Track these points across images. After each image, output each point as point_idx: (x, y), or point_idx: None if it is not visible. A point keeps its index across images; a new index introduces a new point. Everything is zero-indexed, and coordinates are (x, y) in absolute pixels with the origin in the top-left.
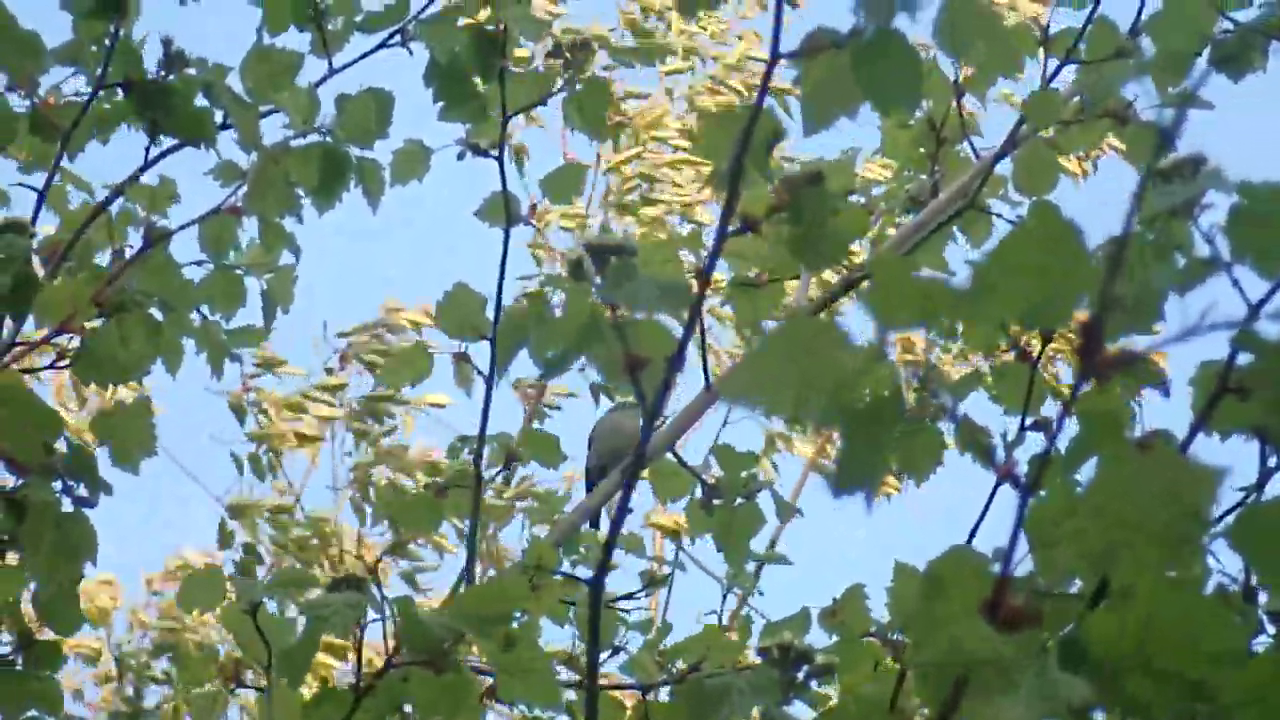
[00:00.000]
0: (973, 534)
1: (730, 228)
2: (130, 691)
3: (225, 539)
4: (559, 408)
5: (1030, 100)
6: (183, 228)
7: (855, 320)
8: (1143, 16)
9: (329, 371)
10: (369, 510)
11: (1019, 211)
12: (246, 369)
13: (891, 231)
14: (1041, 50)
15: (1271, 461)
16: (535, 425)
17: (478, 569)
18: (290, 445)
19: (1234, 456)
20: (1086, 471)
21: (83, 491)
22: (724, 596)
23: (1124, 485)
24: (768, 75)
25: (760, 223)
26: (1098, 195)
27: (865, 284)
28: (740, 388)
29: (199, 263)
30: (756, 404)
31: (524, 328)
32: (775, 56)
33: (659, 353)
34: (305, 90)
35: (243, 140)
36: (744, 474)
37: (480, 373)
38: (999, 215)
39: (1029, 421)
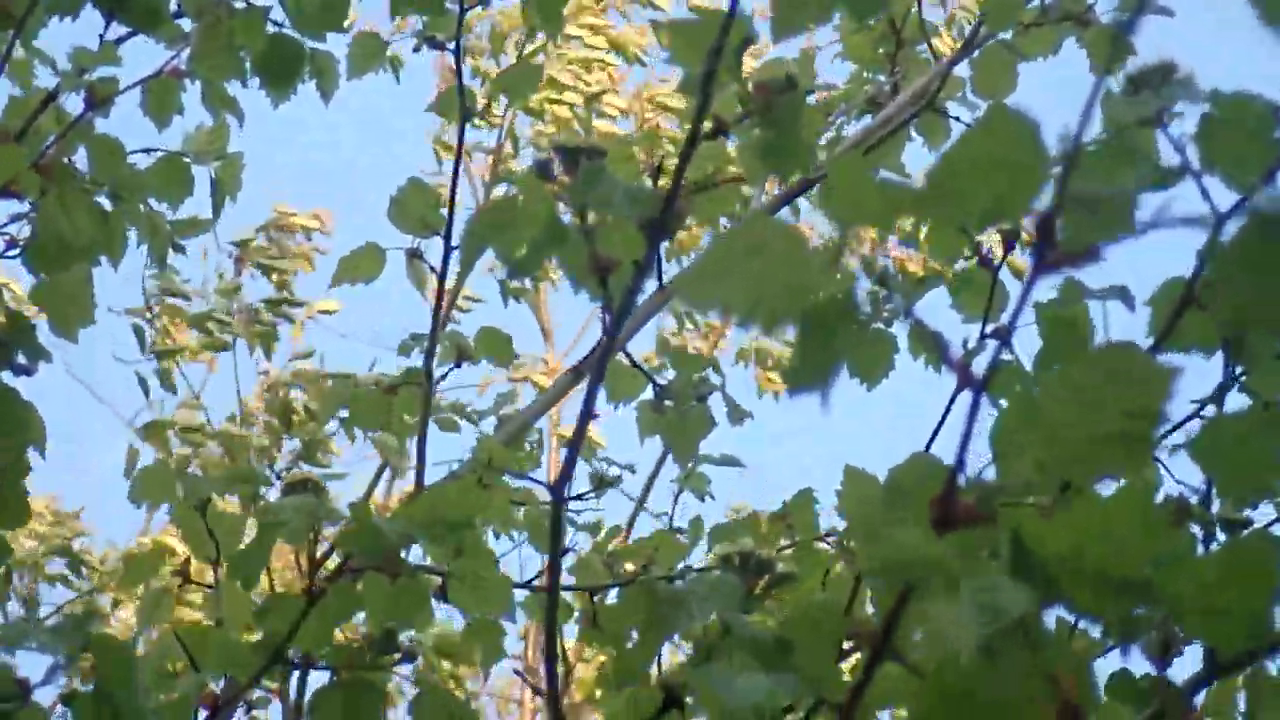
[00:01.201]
0: (931, 440)
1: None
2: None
3: (132, 461)
4: (468, 311)
5: (989, 2)
6: (124, 90)
7: (813, 220)
8: None
9: (221, 277)
10: (277, 421)
11: (977, 114)
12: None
13: (848, 132)
14: None
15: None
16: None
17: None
18: (192, 357)
19: (1193, 372)
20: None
21: (22, 360)
22: (675, 498)
23: (1077, 386)
24: None
25: (730, 126)
26: (1061, 96)
27: (822, 185)
28: (695, 288)
29: (147, 150)
30: (711, 304)
31: (495, 226)
32: None
33: (627, 256)
34: None
35: (188, 9)
36: (695, 376)
37: (433, 269)
38: (956, 118)
39: (989, 329)
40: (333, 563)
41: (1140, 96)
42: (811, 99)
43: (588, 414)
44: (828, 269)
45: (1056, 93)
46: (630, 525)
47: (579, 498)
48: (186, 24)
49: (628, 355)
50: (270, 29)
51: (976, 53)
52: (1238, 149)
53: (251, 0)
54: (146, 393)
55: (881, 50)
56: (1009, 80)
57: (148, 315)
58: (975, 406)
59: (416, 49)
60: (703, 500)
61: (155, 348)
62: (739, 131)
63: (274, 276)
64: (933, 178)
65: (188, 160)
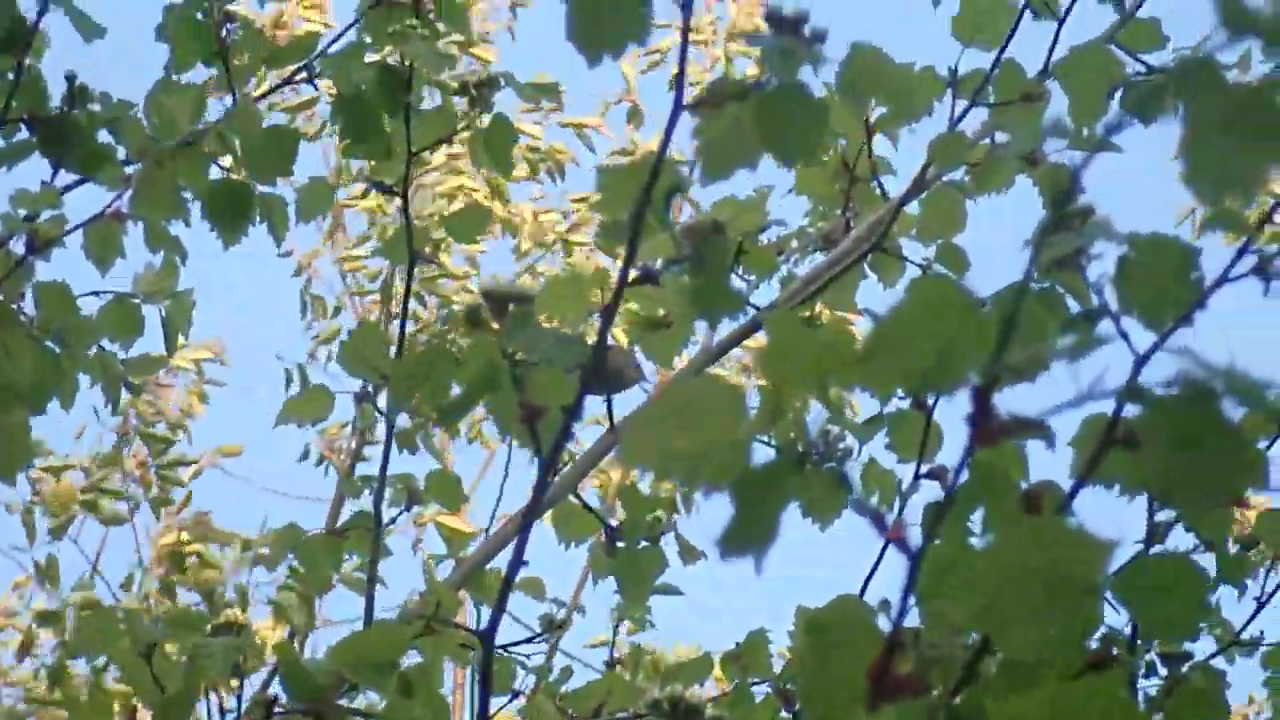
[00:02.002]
0: (864, 587)
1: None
2: None
3: (26, 647)
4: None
5: (935, 143)
6: (67, 233)
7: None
8: (1052, 58)
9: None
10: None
11: (927, 254)
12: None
13: (801, 271)
14: (950, 92)
15: (1158, 515)
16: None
17: None
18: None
19: (1116, 507)
20: (976, 518)
21: None
22: (614, 630)
23: (1013, 555)
24: (670, 126)
25: (659, 273)
26: (1010, 228)
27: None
28: (635, 450)
29: (96, 293)
30: (650, 469)
31: (420, 374)
32: (678, 107)
33: (556, 402)
34: (191, 92)
35: (129, 148)
36: (648, 516)
37: (381, 413)
38: (907, 259)
39: (924, 470)
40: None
41: (1059, 238)
42: (764, 237)
43: (518, 561)
44: (763, 430)
45: (1009, 226)
46: (551, 654)
47: (527, 641)
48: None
49: (577, 495)
50: (218, 174)
51: (925, 193)
52: (1156, 291)
53: (194, 140)
54: (42, 583)
55: (837, 186)
56: (958, 220)
57: (34, 501)
58: (911, 577)
59: (364, 194)
60: (643, 629)
61: (52, 529)
62: (669, 277)
63: (154, 447)
64: (869, 343)
65: (137, 301)
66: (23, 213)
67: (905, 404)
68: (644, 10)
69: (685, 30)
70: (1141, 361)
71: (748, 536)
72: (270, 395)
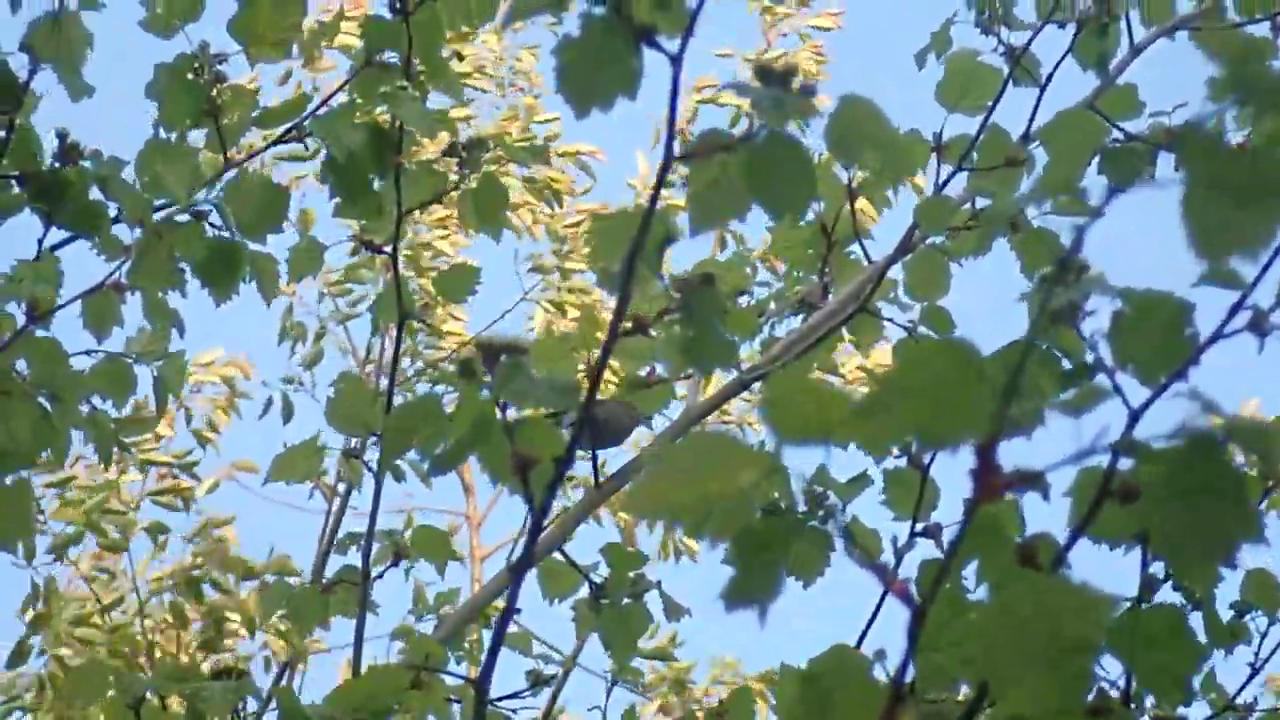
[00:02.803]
0: (862, 638)
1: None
2: None
3: (20, 655)
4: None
5: (921, 207)
6: (65, 304)
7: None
8: (1034, 125)
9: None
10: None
11: (910, 316)
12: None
13: (780, 333)
14: (934, 156)
15: (1154, 567)
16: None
17: None
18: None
19: (1103, 560)
20: (971, 571)
21: None
22: (608, 691)
23: (1013, 609)
24: (662, 176)
25: (650, 324)
26: (991, 293)
27: (758, 388)
28: (642, 504)
29: (88, 351)
30: (659, 519)
31: (413, 425)
32: (669, 158)
33: (548, 453)
34: (190, 165)
35: (128, 216)
36: (632, 573)
37: (370, 469)
38: (890, 320)
39: (920, 528)
40: None
41: (1056, 293)
42: (744, 300)
43: (508, 614)
44: (766, 484)
45: (988, 289)
46: (553, 702)
47: (515, 695)
48: (124, 233)
49: (562, 552)
50: (210, 231)
51: (908, 256)
52: (1150, 346)
53: (191, 211)
54: (34, 600)
55: (811, 251)
56: (942, 282)
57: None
58: (914, 628)
59: (354, 253)
60: (635, 692)
61: (53, 546)
62: (661, 328)
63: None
64: (871, 397)
65: (130, 361)
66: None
67: (900, 462)
68: (633, 65)
69: (675, 82)
70: (1136, 415)
71: (751, 589)
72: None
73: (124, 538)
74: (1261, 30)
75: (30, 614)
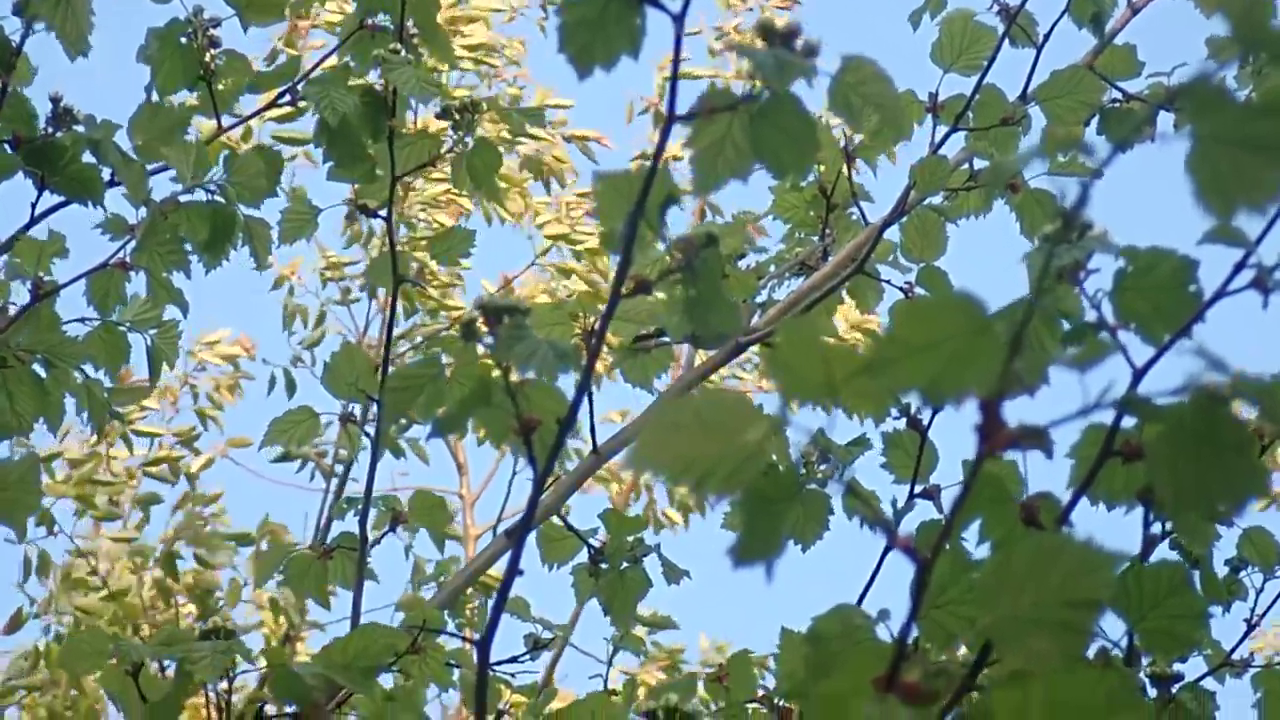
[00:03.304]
0: (862, 596)
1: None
2: None
3: (17, 622)
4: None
5: (918, 167)
6: (70, 283)
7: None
8: (1031, 84)
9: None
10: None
11: (908, 277)
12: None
13: (779, 296)
14: (930, 116)
15: (1154, 527)
16: None
17: None
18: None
19: (1104, 520)
20: (974, 532)
21: None
22: (609, 660)
23: (1014, 570)
24: (664, 136)
25: (653, 285)
26: (989, 254)
27: (760, 348)
28: (648, 458)
29: (83, 319)
30: (663, 475)
31: (414, 387)
32: (671, 116)
33: (550, 415)
34: (195, 145)
35: (131, 195)
36: (630, 538)
37: (367, 434)
38: (888, 281)
39: (919, 489)
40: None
41: (1059, 251)
42: (743, 263)
43: (512, 574)
44: (771, 439)
45: (987, 248)
46: (551, 671)
47: (513, 660)
48: (129, 210)
49: (561, 517)
50: (204, 196)
51: (906, 217)
52: (1153, 303)
53: (196, 190)
54: (28, 573)
55: (813, 212)
56: (939, 243)
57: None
58: (919, 583)
59: (349, 216)
60: (638, 658)
61: (40, 520)
62: (663, 288)
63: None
64: (877, 353)
65: (124, 329)
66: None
67: (899, 424)
68: (636, 23)
69: (678, 42)
70: (1140, 374)
71: (758, 546)
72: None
73: (117, 507)
74: None
75: (33, 583)
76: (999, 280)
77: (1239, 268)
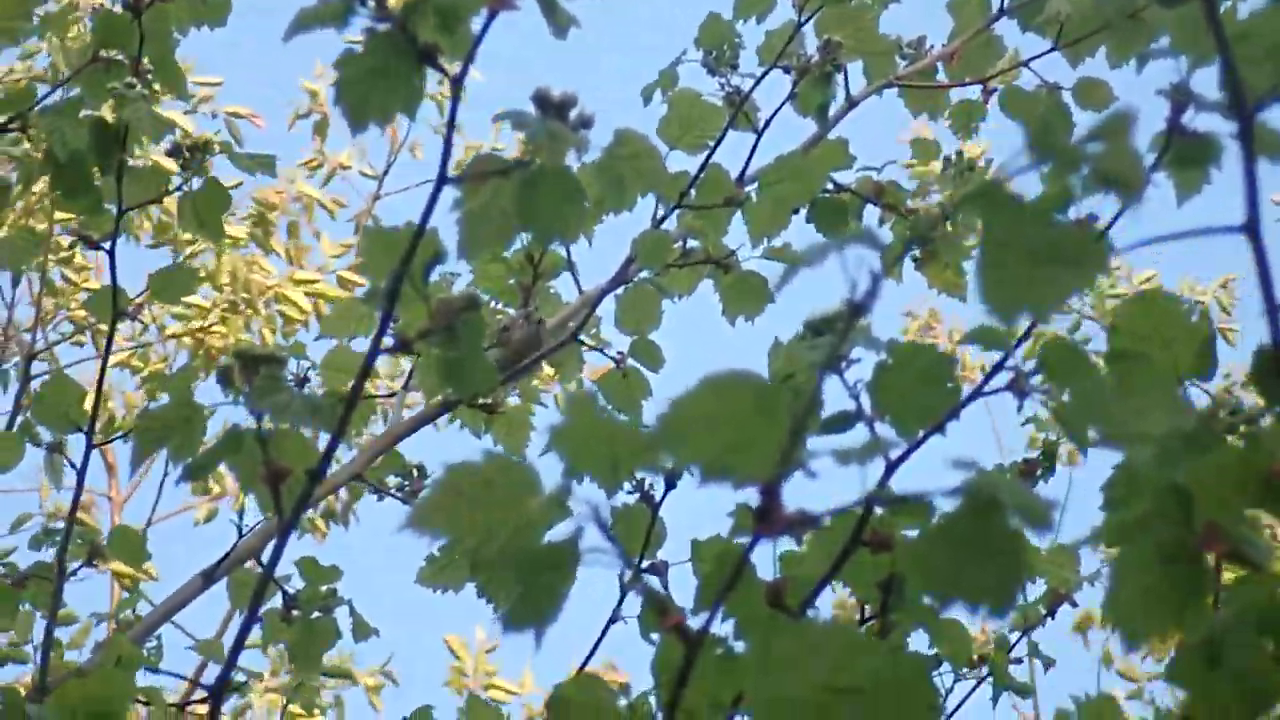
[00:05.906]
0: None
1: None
2: None
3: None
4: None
5: (641, 240)
6: None
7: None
8: (750, 167)
9: None
10: None
11: (620, 349)
12: None
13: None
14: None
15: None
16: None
17: None
18: None
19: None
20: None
21: None
22: (284, 706)
23: (787, 655)
24: (433, 198)
25: (411, 343)
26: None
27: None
28: (427, 522)
29: None
30: (438, 536)
31: (165, 427)
32: (442, 178)
33: (300, 464)
34: None
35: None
36: (324, 588)
37: (73, 465)
38: (600, 350)
39: (645, 564)
40: None
41: (819, 342)
42: None
43: (250, 620)
44: (552, 512)
45: (689, 326)
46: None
47: (200, 701)
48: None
49: (258, 560)
50: None
51: (620, 289)
52: (909, 396)
53: None
54: None
55: (513, 281)
56: (653, 316)
57: None
58: (687, 666)
59: (71, 247)
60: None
61: None
62: (421, 348)
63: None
64: (661, 429)
65: None
66: None
67: (631, 499)
68: (415, 84)
69: (454, 104)
70: (893, 467)
71: (530, 613)
72: None
73: None
74: (973, 93)
75: None
76: (709, 357)
77: (997, 369)
